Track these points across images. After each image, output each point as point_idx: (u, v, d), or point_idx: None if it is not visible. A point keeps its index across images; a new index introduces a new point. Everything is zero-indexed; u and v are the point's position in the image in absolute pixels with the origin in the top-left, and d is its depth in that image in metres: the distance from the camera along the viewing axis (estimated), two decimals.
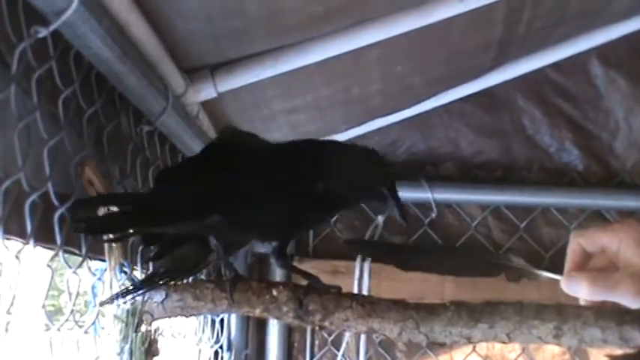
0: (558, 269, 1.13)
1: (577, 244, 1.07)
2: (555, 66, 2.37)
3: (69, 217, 1.10)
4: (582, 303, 1.06)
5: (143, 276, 1.36)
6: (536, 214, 2.44)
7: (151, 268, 1.41)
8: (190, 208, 1.00)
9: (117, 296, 1.09)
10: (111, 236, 1.12)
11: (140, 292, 1.09)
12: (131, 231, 1.03)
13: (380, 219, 2.41)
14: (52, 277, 1.08)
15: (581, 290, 1.04)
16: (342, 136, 2.28)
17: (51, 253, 1.09)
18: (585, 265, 1.07)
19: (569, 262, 1.08)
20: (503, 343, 1.07)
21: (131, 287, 1.10)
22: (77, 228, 1.09)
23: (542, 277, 1.16)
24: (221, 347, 2.23)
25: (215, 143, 1.19)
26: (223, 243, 1.11)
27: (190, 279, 1.61)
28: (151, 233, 1.10)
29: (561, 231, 2.40)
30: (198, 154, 1.21)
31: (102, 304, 1.12)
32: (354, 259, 2.37)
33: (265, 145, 1.18)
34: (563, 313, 1.02)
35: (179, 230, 1.04)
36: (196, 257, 1.14)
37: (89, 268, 1.21)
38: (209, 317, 2.04)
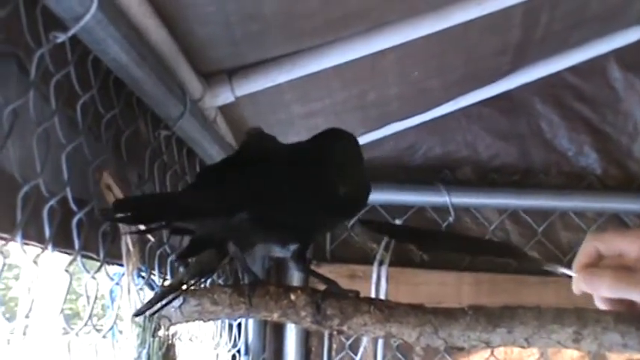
0: None
1: (592, 246, 1.06)
2: (573, 69, 2.35)
3: (87, 221, 1.10)
4: (596, 300, 1.05)
5: (169, 282, 1.36)
6: (555, 218, 2.43)
7: (169, 274, 1.41)
8: (218, 204, 1.01)
9: (150, 304, 1.08)
10: (139, 228, 1.12)
11: (171, 299, 1.09)
12: (158, 224, 1.04)
13: (397, 223, 2.41)
14: (70, 282, 1.08)
15: (602, 285, 1.03)
16: (358, 141, 2.28)
17: (69, 257, 1.09)
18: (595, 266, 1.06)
19: (578, 262, 1.07)
20: (522, 347, 1.07)
21: (161, 294, 1.10)
22: (107, 217, 1.09)
23: (558, 272, 1.16)
24: (238, 351, 2.23)
25: (245, 144, 1.20)
26: (240, 245, 1.11)
27: (208, 283, 1.62)
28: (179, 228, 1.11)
29: (580, 235, 2.39)
30: (232, 154, 1.22)
31: (136, 314, 1.12)
32: (372, 264, 2.37)
33: (286, 147, 1.19)
34: (582, 317, 1.01)
35: (206, 227, 1.04)
36: (214, 261, 1.14)
37: (107, 273, 1.22)
38: (226, 321, 2.04)
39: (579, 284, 1.06)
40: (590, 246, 1.06)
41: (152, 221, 1.01)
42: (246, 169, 1.09)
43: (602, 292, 1.03)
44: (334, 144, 1.21)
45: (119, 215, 0.95)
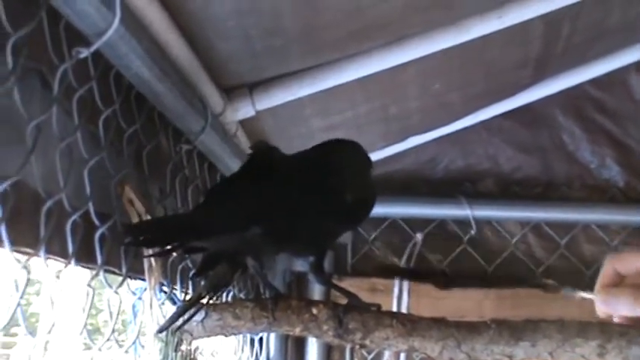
0: None
1: (611, 267, 1.06)
2: (594, 81, 2.35)
3: (110, 236, 1.11)
4: (616, 321, 1.05)
5: (189, 297, 1.37)
6: (577, 230, 2.42)
7: (190, 288, 1.41)
8: (231, 221, 1.01)
9: (172, 320, 1.09)
10: (153, 251, 1.13)
11: (193, 314, 1.10)
12: (175, 244, 1.04)
13: (419, 236, 2.41)
14: (93, 297, 1.08)
15: (620, 305, 1.02)
16: (379, 154, 2.29)
17: (89, 272, 1.10)
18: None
19: (598, 285, 1.07)
20: None
21: (182, 310, 1.11)
22: (127, 243, 1.10)
23: (577, 297, 1.16)
24: None
25: (252, 158, 1.20)
26: (258, 259, 1.11)
27: (229, 297, 1.62)
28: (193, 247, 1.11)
29: (603, 248, 2.38)
30: (239, 170, 1.22)
31: (160, 331, 1.13)
32: (393, 278, 2.37)
33: (291, 158, 1.19)
34: (606, 330, 1.01)
35: (220, 243, 1.04)
36: (228, 275, 1.15)
37: (129, 288, 1.22)
38: (248, 336, 2.04)
39: (599, 306, 1.06)
40: (609, 267, 1.06)
41: (168, 244, 1.02)
42: (255, 183, 1.10)
43: (621, 311, 1.03)
44: (338, 152, 1.21)
45: (135, 240, 0.96)
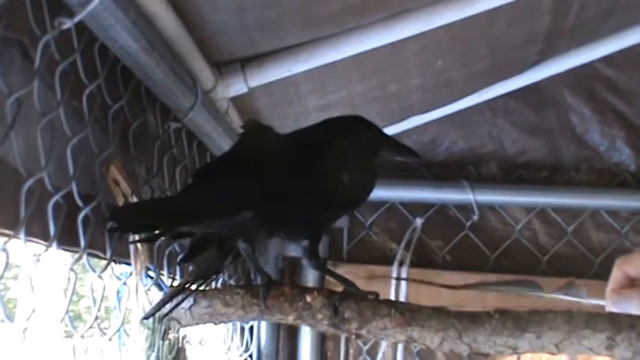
0: (608, 275, 1.13)
1: (621, 271, 1.07)
2: (606, 59, 2.34)
3: (94, 218, 1.11)
4: None
5: (176, 283, 1.37)
6: (585, 217, 2.42)
7: (178, 274, 1.41)
8: (222, 205, 1.01)
9: (158, 307, 1.09)
10: (139, 236, 1.13)
11: (180, 300, 1.09)
12: (162, 230, 1.03)
13: (418, 221, 2.41)
14: (75, 282, 1.08)
15: (631, 306, 1.03)
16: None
17: (72, 255, 1.09)
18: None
19: (608, 290, 1.08)
20: (551, 354, 1.06)
21: (169, 296, 1.10)
22: (114, 229, 1.09)
23: (588, 304, 1.16)
24: (250, 356, 2.24)
25: (244, 138, 1.20)
26: (250, 243, 1.11)
27: (219, 284, 1.62)
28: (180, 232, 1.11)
29: (612, 235, 2.38)
30: (228, 150, 1.21)
31: (145, 317, 1.13)
32: (391, 264, 2.37)
33: (285, 138, 1.18)
34: (616, 322, 1.01)
35: (210, 228, 1.04)
36: (217, 261, 1.15)
37: (113, 272, 1.22)
38: (238, 325, 2.04)
39: (611, 309, 1.06)
40: (619, 272, 1.07)
41: (154, 229, 1.01)
42: (247, 165, 1.09)
43: (632, 312, 1.03)
44: (336, 131, 1.20)
45: (120, 225, 0.96)
